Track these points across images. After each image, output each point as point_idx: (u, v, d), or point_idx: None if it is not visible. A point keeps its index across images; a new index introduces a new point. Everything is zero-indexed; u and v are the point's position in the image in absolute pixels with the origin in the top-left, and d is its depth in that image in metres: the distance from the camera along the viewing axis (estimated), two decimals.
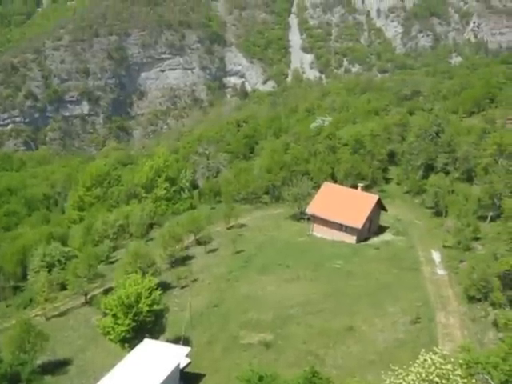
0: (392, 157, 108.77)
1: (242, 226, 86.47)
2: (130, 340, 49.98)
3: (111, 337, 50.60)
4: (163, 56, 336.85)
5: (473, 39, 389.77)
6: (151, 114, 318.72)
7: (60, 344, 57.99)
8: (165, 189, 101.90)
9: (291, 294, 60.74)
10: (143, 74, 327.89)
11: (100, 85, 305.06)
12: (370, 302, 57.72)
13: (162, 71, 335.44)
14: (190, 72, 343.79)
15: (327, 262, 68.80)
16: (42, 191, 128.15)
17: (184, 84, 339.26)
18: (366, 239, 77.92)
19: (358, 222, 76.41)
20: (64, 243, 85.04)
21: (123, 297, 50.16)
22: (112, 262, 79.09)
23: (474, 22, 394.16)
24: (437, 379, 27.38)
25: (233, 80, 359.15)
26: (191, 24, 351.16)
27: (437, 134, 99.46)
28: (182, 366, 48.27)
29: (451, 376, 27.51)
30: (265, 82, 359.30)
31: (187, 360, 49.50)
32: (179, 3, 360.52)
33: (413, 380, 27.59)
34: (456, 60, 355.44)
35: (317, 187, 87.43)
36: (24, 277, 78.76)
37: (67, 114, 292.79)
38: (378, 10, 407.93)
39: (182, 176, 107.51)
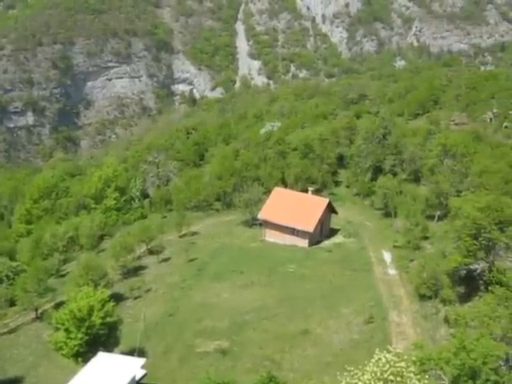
0: (341, 160, 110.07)
1: (195, 233, 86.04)
2: (84, 354, 49.05)
3: (64, 352, 49.56)
4: (109, 64, 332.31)
5: (415, 43, 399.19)
6: (99, 123, 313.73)
7: (10, 362, 56.46)
8: (114, 199, 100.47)
9: (246, 300, 60.75)
10: (89, 83, 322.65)
11: (45, 95, 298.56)
12: (324, 304, 58.23)
13: (109, 80, 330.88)
14: (137, 80, 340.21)
15: (280, 266, 69.09)
16: None
17: (131, 92, 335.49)
18: (318, 242, 78.57)
19: (310, 226, 77.03)
20: (12, 258, 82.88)
21: (75, 310, 49.24)
22: (62, 276, 77.46)
23: (416, 27, 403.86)
24: (391, 377, 27.79)
25: (181, 87, 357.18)
26: (137, 32, 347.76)
27: (384, 136, 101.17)
28: (137, 377, 47.64)
29: (405, 373, 27.95)
30: (213, 89, 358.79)
31: (143, 371, 48.88)
32: (124, 11, 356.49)
33: (368, 379, 27.92)
34: (400, 64, 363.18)
35: (267, 192, 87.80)
36: None
37: (11, 125, 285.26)
38: (324, 16, 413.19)
39: (132, 185, 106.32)
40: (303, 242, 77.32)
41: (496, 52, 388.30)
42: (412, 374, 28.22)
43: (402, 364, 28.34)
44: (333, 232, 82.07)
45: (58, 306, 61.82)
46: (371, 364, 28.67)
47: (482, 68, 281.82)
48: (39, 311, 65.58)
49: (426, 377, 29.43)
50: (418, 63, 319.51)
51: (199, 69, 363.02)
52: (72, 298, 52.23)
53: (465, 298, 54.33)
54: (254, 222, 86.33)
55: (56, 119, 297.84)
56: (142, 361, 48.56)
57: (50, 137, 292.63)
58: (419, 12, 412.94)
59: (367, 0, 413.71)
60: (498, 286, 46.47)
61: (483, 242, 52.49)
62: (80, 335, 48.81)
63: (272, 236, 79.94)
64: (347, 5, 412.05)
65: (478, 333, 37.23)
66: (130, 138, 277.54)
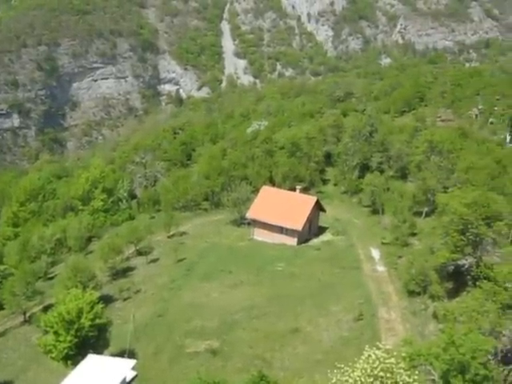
0: (328, 158, 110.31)
1: (183, 233, 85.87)
2: (73, 357, 48.85)
3: (53, 355, 49.34)
4: (95, 65, 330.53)
5: (400, 41, 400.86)
6: (85, 124, 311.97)
7: None
8: (102, 200, 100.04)
9: (235, 300, 60.72)
10: (75, 85, 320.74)
11: (30, 96, 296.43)
12: (314, 302, 58.32)
13: (95, 81, 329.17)
14: (123, 81, 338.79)
15: (269, 265, 69.14)
16: None
17: (117, 93, 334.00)
18: (307, 240, 78.72)
19: (298, 224, 77.16)
20: None
21: (64, 313, 49.02)
22: (51, 278, 77.01)
23: (401, 24, 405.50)
24: (381, 373, 27.88)
25: (167, 87, 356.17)
26: (122, 32, 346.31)
27: (370, 134, 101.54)
28: (128, 379, 47.49)
29: (395, 369, 28.07)
30: (199, 89, 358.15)
31: (133, 373, 48.74)
32: (109, 11, 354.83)
33: (358, 376, 28.01)
34: (385, 61, 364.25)
35: (256, 191, 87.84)
36: None
37: None
38: (309, 15, 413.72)
39: (120, 186, 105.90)
40: (292, 241, 77.42)
41: (480, 49, 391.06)
42: (402, 370, 28.35)
43: (392, 360, 28.46)
44: (321, 230, 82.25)
45: (47, 308, 61.55)
46: (361, 361, 28.77)
47: (467, 65, 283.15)
48: (28, 314, 65.16)
49: (416, 372, 29.59)
50: (403, 61, 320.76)
51: (185, 69, 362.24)
52: (60, 301, 52.00)
53: (453, 294, 54.63)
54: (242, 221, 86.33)
55: (42, 121, 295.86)
56: (132, 362, 48.42)
57: (35, 139, 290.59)
58: (404, 10, 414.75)
59: None
60: (485, 281, 46.78)
61: (470, 237, 52.83)
62: (69, 338, 48.60)
63: (260, 235, 79.98)
64: (332, 3, 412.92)
65: (467, 328, 37.47)
66: (117, 138, 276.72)
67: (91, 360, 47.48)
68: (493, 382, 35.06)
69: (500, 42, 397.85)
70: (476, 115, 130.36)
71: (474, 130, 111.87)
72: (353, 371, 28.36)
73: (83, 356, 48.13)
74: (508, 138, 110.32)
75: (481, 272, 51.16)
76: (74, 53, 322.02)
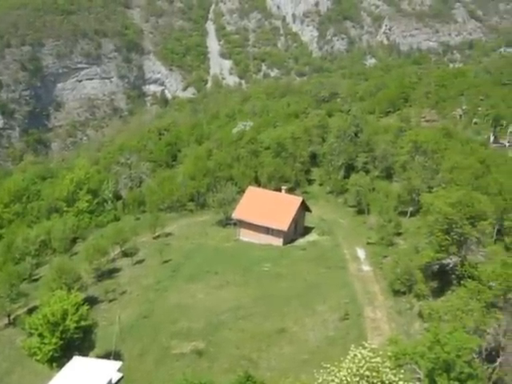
0: (314, 158, 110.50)
1: (169, 234, 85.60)
2: (59, 359, 48.53)
3: (38, 357, 48.98)
4: (79, 66, 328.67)
5: (385, 41, 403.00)
6: (69, 125, 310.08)
7: None
8: (87, 201, 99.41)
9: (221, 300, 60.66)
10: (59, 85, 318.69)
11: (14, 97, 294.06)
12: (300, 302, 58.41)
13: (79, 81, 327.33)
14: (108, 81, 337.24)
15: (255, 265, 69.12)
16: None
17: (102, 94, 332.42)
18: (293, 241, 78.79)
19: (284, 225, 77.21)
20: None
21: (49, 315, 48.68)
22: (35, 280, 76.45)
23: (386, 25, 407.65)
24: (367, 373, 27.97)
25: (152, 88, 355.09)
26: (107, 32, 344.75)
27: (355, 134, 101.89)
28: (113, 381, 47.27)
29: (381, 368, 28.17)
30: (185, 89, 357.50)
31: (119, 375, 48.52)
32: (94, 12, 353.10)
33: (344, 375, 28.06)
34: (370, 62, 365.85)
35: (241, 192, 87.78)
36: None
37: None
38: (294, 15, 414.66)
39: (105, 187, 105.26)
40: (278, 241, 77.46)
41: (464, 49, 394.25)
42: (387, 369, 28.46)
43: (378, 359, 28.56)
44: (307, 230, 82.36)
45: (31, 311, 61.14)
46: (347, 360, 28.84)
47: (451, 65, 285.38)
48: (12, 317, 64.61)
49: (402, 371, 29.71)
50: (388, 61, 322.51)
51: (170, 69, 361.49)
52: (45, 303, 51.64)
53: (438, 293, 55.00)
54: (228, 222, 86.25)
55: (26, 122, 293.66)
56: (117, 364, 48.19)
57: (20, 140, 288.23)
58: (388, 10, 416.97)
59: None
60: (470, 280, 47.12)
61: (455, 236, 53.23)
62: (54, 340, 48.27)
63: (246, 235, 79.94)
64: (317, 4, 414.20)
65: (452, 326, 37.71)
66: (102, 139, 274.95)
67: (76, 362, 47.20)
68: (477, 379, 35.30)
69: (483, 42, 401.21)
70: (460, 115, 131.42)
71: (458, 130, 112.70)
72: (339, 371, 28.42)
73: (68, 358, 47.84)
74: (492, 138, 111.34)
75: (465, 271, 51.56)
76: (59, 53, 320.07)
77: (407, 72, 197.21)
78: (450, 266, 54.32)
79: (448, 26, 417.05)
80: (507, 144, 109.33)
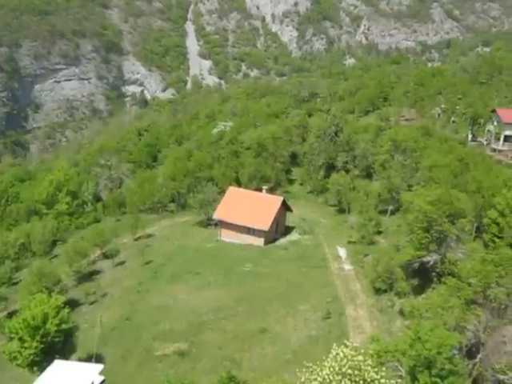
0: (294, 158, 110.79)
1: (150, 236, 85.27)
2: (40, 363, 48.05)
3: (18, 362, 48.47)
4: (58, 67, 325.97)
5: (364, 41, 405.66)
6: (48, 126, 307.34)
7: None
8: (67, 203, 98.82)
9: (203, 301, 60.52)
10: (37, 86, 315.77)
11: None
12: (282, 302, 58.46)
13: (58, 82, 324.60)
14: (86, 82, 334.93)
15: (237, 265, 69.07)
16: None
17: (81, 95, 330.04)
18: (274, 240, 78.89)
19: (265, 225, 77.27)
20: None
21: (29, 318, 48.20)
22: (15, 284, 75.72)
23: (365, 25, 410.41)
24: (349, 371, 28.03)
25: (131, 89, 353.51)
26: (85, 33, 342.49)
27: (335, 133, 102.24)
28: None
29: (363, 367, 28.28)
30: (164, 90, 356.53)
31: (101, 378, 48.06)
32: (72, 12, 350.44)
33: (327, 374, 28.09)
34: (350, 61, 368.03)
35: (222, 192, 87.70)
36: None
37: None
38: (273, 15, 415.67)
39: (84, 189, 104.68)
40: (259, 241, 77.50)
41: (442, 49, 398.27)
42: (369, 367, 28.57)
43: (360, 358, 28.65)
44: (288, 230, 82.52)
45: (11, 315, 60.35)
46: (329, 359, 28.89)
47: (429, 64, 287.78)
48: None
49: (383, 369, 29.86)
50: (367, 61, 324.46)
51: (150, 70, 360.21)
52: (25, 306, 51.12)
53: (419, 290, 55.38)
54: (209, 223, 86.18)
55: (3, 123, 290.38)
56: (99, 367, 47.78)
57: None
58: (367, 10, 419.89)
59: None
60: (450, 277, 47.53)
61: (435, 234, 53.63)
62: (35, 344, 47.81)
63: (228, 236, 79.88)
64: (296, 4, 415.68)
65: (432, 323, 38.00)
66: (81, 141, 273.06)
67: (57, 366, 46.72)
68: (458, 376, 35.63)
69: (461, 42, 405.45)
70: (438, 114, 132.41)
71: (437, 129, 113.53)
72: (321, 370, 28.45)
73: (49, 362, 47.34)
74: (470, 136, 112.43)
75: (445, 268, 51.99)
76: (36, 54, 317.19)
77: (386, 71, 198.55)
78: (431, 263, 54.70)
79: (426, 25, 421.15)
80: (485, 142, 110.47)
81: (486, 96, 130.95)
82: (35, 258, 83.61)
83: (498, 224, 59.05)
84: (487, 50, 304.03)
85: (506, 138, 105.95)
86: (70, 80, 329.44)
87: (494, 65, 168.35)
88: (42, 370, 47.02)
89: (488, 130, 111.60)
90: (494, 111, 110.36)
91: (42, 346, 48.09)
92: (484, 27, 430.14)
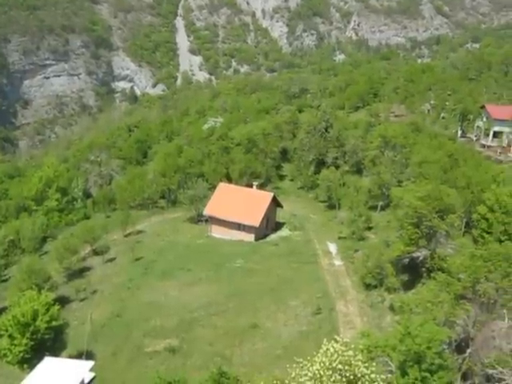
0: (284, 154, 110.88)
1: (140, 232, 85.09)
2: (29, 360, 47.84)
3: (8, 359, 48.22)
4: (47, 62, 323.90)
5: (354, 37, 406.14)
6: (37, 123, 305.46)
7: None
8: (56, 200, 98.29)
9: (194, 297, 60.52)
10: (26, 82, 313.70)
11: None
12: (273, 297, 58.59)
13: (47, 78, 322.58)
14: (76, 78, 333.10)
15: (228, 261, 69.12)
16: None
17: (70, 90, 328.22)
18: (265, 236, 78.95)
19: (256, 220, 77.31)
20: None
21: (19, 315, 48.00)
22: (4, 281, 75.29)
23: (355, 21, 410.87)
24: (340, 366, 28.09)
25: (121, 84, 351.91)
26: (75, 28, 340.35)
27: (326, 129, 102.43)
28: (86, 381, 46.71)
29: (353, 362, 28.37)
30: (154, 86, 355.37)
31: (91, 374, 47.97)
32: (61, 7, 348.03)
33: (317, 369, 28.14)
34: (340, 57, 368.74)
35: (212, 188, 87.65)
36: None
37: None
38: (263, 11, 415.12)
39: (74, 185, 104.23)
40: (249, 237, 77.56)
41: (432, 45, 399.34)
42: (360, 362, 28.66)
43: (350, 353, 28.72)
44: (278, 226, 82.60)
45: (1, 312, 60.03)
46: (320, 354, 28.95)
47: (419, 61, 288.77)
48: None
49: (374, 364, 29.96)
50: (357, 57, 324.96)
51: (139, 65, 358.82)
52: (15, 303, 50.93)
53: (409, 286, 55.68)
54: (199, 219, 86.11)
55: None
56: (90, 364, 47.65)
57: None
58: (357, 6, 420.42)
59: None
60: (439, 273, 47.76)
61: (424, 230, 53.91)
62: (25, 341, 47.63)
63: (218, 232, 79.89)
64: None
65: (422, 318, 38.19)
66: (71, 137, 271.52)
67: (48, 363, 46.53)
68: (448, 370, 35.86)
69: (450, 38, 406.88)
70: (428, 110, 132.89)
71: (427, 125, 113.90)
72: (312, 365, 28.50)
73: (39, 359, 47.12)
74: (459, 132, 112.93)
75: (435, 264, 52.29)
76: (25, 49, 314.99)
77: (376, 67, 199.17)
78: (420, 258, 54.99)
79: (416, 21, 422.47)
80: (474, 138, 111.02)
81: (475, 92, 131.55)
82: (25, 254, 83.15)
83: (487, 219, 59.42)
84: (476, 46, 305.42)
85: (495, 134, 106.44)
86: (59, 76, 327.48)
87: (484, 61, 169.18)
88: (32, 367, 46.80)
89: (477, 126, 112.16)
90: (483, 107, 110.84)
91: (32, 343, 47.91)
92: (473, 23, 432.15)
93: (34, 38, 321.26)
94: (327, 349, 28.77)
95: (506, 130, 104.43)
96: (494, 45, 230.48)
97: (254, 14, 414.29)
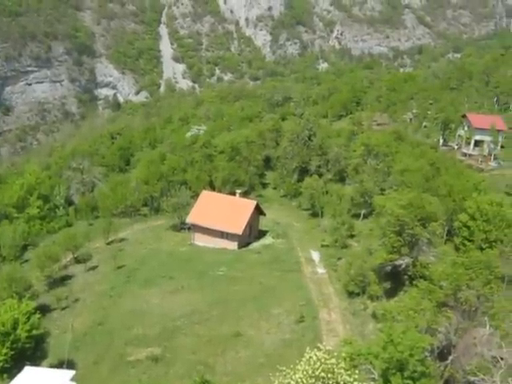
0: (268, 162, 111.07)
1: (122, 240, 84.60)
2: (9, 370, 47.31)
3: None
4: (29, 69, 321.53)
5: (337, 46, 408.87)
6: (19, 129, 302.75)
7: None
8: (38, 207, 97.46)
9: (177, 306, 60.23)
10: (8, 88, 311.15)
11: None
12: (256, 306, 58.48)
13: (29, 84, 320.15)
14: (58, 85, 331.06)
15: (210, 269, 68.91)
16: None
17: (53, 97, 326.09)
18: (247, 244, 78.83)
19: (239, 228, 77.21)
20: None
21: None
22: None
23: (338, 30, 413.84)
24: (323, 374, 28.16)
25: (104, 92, 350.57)
26: (57, 35, 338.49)
27: (309, 137, 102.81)
28: None
29: (336, 370, 28.43)
30: (137, 93, 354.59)
31: None
32: (43, 14, 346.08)
33: (300, 378, 28.18)
34: (323, 66, 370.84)
35: (195, 196, 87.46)
36: None
37: None
38: (247, 19, 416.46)
39: (56, 193, 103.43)
40: (232, 245, 77.42)
41: (414, 54, 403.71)
42: (342, 370, 28.73)
43: (333, 361, 28.80)
44: (261, 234, 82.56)
45: None
46: (302, 363, 28.99)
47: (401, 70, 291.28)
48: None
49: (356, 372, 30.04)
50: (340, 66, 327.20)
51: (123, 73, 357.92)
52: None
53: (391, 293, 55.88)
54: (182, 227, 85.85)
55: None
56: (71, 373, 47.12)
57: None
58: (340, 16, 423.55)
59: (289, 4, 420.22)
60: (421, 280, 48.01)
61: (407, 238, 54.21)
62: (4, 350, 47.12)
63: (201, 240, 79.66)
64: (270, 8, 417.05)
65: (405, 326, 38.34)
66: (53, 144, 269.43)
67: (28, 372, 45.96)
68: (430, 377, 36.00)
69: (432, 48, 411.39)
70: (410, 119, 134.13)
71: (409, 134, 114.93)
72: (294, 373, 28.54)
73: (20, 369, 46.56)
74: (441, 140, 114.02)
75: (417, 271, 52.59)
76: (7, 56, 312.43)
77: (359, 76, 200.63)
78: (403, 266, 55.25)
79: (398, 31, 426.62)
80: (456, 147, 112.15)
81: (456, 101, 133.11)
82: (5, 262, 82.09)
83: (468, 227, 59.99)
84: (458, 56, 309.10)
85: (476, 143, 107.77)
86: (41, 82, 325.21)
87: (465, 71, 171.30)
88: (12, 376, 46.20)
89: (459, 135, 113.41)
90: (464, 116, 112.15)
91: (12, 352, 47.41)
92: (455, 34, 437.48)
93: (16, 45, 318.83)
94: (310, 357, 28.84)
95: (486, 138, 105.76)
96: (475, 55, 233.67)
97: (237, 23, 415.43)
